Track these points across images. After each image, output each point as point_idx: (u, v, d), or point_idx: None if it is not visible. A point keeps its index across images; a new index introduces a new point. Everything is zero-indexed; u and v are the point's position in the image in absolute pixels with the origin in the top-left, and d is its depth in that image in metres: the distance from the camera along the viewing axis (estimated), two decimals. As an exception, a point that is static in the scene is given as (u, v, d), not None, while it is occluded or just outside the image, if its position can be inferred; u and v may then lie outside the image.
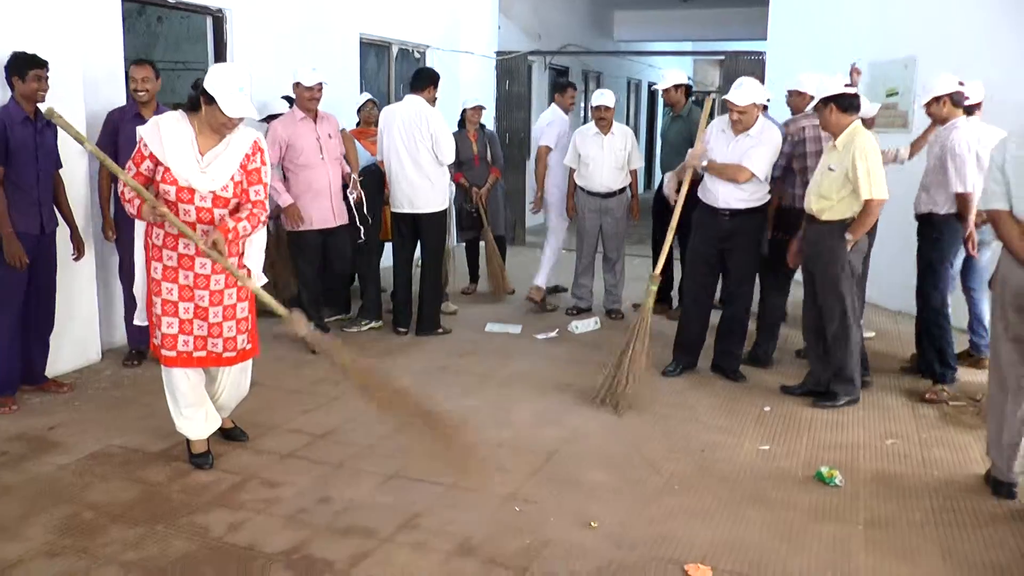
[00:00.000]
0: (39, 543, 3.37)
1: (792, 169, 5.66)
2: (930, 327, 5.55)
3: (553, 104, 8.03)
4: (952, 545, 3.53)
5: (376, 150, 6.57)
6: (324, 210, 5.94)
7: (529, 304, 7.45)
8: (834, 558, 3.40)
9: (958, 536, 3.61)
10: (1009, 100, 5.91)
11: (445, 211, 6.46)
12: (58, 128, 4.80)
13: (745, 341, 5.72)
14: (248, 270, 4.06)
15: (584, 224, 7.15)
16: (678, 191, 5.52)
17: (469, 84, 10.19)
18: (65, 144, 4.95)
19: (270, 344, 5.22)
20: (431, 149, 6.20)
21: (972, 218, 5.28)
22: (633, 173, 7.10)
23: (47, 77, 4.72)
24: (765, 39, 10.21)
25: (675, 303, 7.12)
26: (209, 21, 6.82)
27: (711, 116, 5.69)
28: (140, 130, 3.87)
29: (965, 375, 5.72)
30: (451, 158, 6.33)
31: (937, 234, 5.45)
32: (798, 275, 5.46)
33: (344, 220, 6.08)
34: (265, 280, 4.19)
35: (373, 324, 6.58)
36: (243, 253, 4.05)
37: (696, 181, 5.58)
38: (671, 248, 5.60)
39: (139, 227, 3.99)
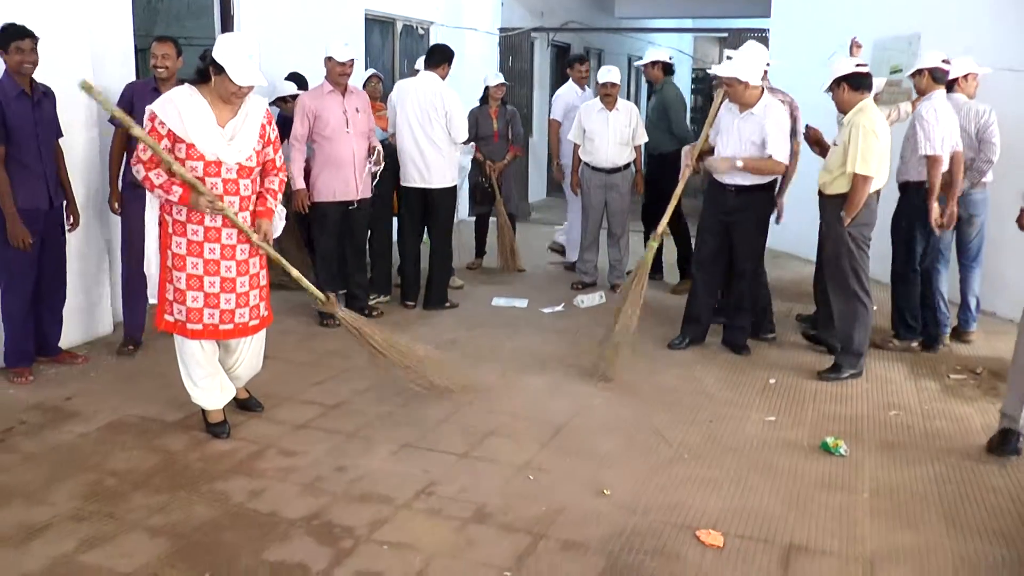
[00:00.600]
0: (66, 508, 3.46)
1: None
2: (896, 289, 5.84)
3: (570, 80, 8.21)
4: (954, 513, 3.62)
5: (385, 124, 6.61)
6: (347, 182, 5.96)
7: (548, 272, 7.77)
8: (840, 525, 3.49)
9: (960, 504, 3.70)
10: (1010, 75, 6.00)
11: (455, 187, 6.51)
12: (55, 96, 4.91)
13: (752, 315, 5.78)
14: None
15: (590, 199, 7.21)
16: (690, 165, 5.62)
17: (473, 61, 10.22)
18: (65, 113, 5.00)
19: (279, 317, 5.28)
20: (445, 126, 6.25)
21: (938, 184, 5.39)
22: (637, 149, 7.15)
23: (32, 49, 4.65)
24: (768, 16, 10.22)
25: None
26: (217, -3, 6.84)
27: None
28: (153, 108, 3.84)
29: (962, 349, 5.83)
30: (464, 136, 6.41)
31: (911, 201, 5.62)
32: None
33: (367, 194, 6.12)
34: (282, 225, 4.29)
35: (382, 298, 6.64)
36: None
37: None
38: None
39: (151, 204, 4.01)
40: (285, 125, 6.48)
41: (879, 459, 4.14)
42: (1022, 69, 6.23)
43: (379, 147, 6.16)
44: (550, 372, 5.25)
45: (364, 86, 7.58)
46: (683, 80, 20.68)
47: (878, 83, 5.74)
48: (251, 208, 4.01)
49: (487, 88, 7.62)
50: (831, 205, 5.15)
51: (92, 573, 3.03)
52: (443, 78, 6.35)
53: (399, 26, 9.42)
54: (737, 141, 5.43)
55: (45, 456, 3.94)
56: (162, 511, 3.46)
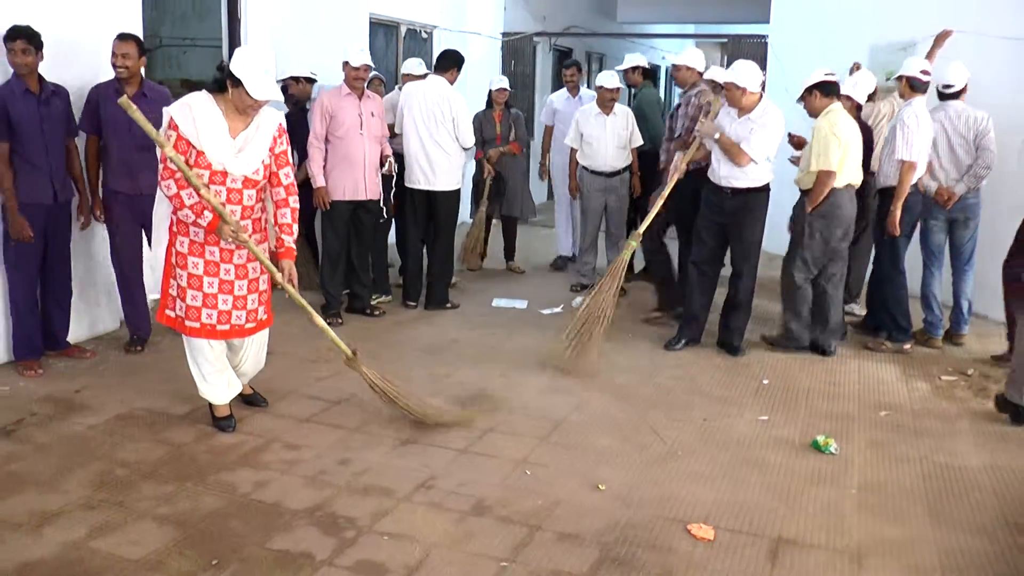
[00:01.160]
0: (77, 496, 3.56)
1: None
2: (884, 291, 6.05)
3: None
4: (939, 508, 3.73)
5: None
6: (356, 181, 6.08)
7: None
8: (828, 519, 3.59)
9: (945, 500, 3.81)
10: (1002, 82, 6.12)
11: (459, 189, 6.63)
12: (67, 95, 5.02)
13: (748, 317, 5.89)
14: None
15: (589, 203, 7.32)
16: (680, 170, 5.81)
17: (475, 65, 10.31)
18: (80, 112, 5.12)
19: (280, 315, 5.37)
20: (451, 130, 6.38)
21: (906, 189, 5.67)
22: (634, 151, 7.27)
23: (24, 50, 4.70)
24: (768, 22, 10.33)
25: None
26: (224, 0, 6.94)
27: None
28: (171, 112, 3.91)
29: (954, 351, 5.94)
30: (471, 141, 6.54)
31: (889, 205, 5.82)
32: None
33: (375, 196, 6.23)
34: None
35: (383, 298, 6.75)
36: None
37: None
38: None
39: (165, 202, 4.09)
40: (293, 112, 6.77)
41: (868, 457, 4.24)
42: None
43: (391, 156, 6.28)
44: (549, 371, 5.36)
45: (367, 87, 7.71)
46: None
47: (870, 85, 5.87)
48: (253, 216, 4.08)
49: (491, 92, 7.74)
50: (802, 201, 5.71)
51: (102, 559, 3.13)
52: (451, 83, 6.47)
53: (403, 30, 9.54)
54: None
55: (56, 446, 4.05)
56: (170, 501, 3.57)
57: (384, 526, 3.42)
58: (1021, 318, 4.80)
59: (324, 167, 6.05)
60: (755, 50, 10.19)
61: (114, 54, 5.07)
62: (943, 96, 5.99)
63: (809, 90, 5.57)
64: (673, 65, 6.53)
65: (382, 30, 9.26)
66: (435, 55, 7.28)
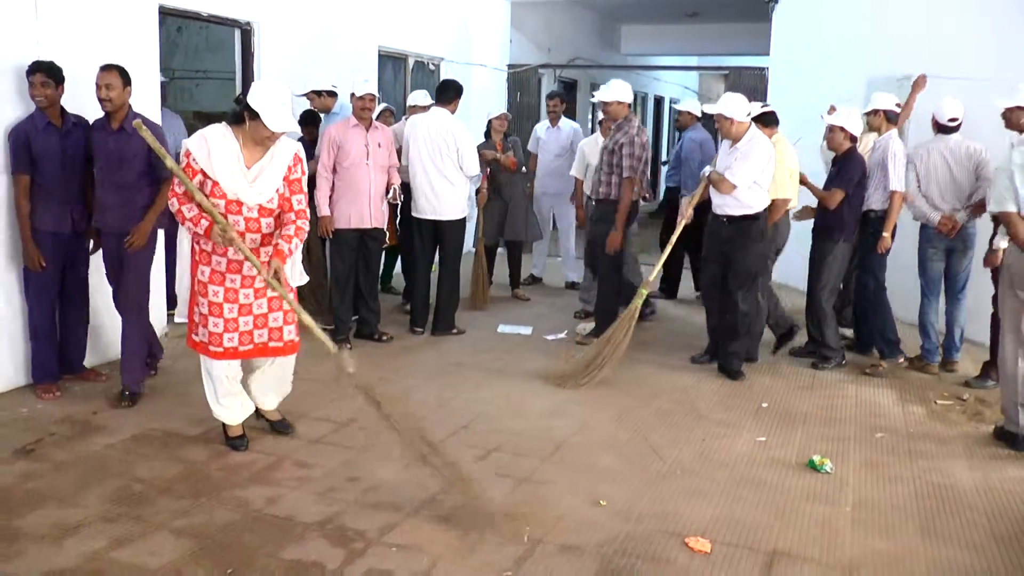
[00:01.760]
0: (96, 511, 3.69)
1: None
2: (867, 312, 6.34)
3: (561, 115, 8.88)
4: (931, 525, 3.84)
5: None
6: (362, 210, 6.24)
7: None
8: (822, 534, 3.71)
9: (937, 517, 3.92)
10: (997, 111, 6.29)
11: (465, 218, 6.81)
12: (88, 127, 5.17)
13: (745, 341, 6.04)
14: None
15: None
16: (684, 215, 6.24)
17: (481, 96, 10.56)
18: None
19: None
20: (455, 160, 6.56)
21: (896, 215, 6.04)
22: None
23: (43, 83, 4.86)
24: (768, 54, 10.54)
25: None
26: (237, 34, 7.16)
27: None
28: (188, 145, 4.09)
29: (949, 375, 6.06)
30: (476, 170, 6.73)
31: (872, 229, 6.11)
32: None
33: (380, 224, 6.40)
34: (306, 279, 4.48)
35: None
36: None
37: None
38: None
39: (186, 232, 4.28)
40: (311, 120, 7.08)
41: (863, 476, 4.36)
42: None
43: (397, 185, 6.45)
44: (552, 394, 5.49)
45: (376, 119, 7.91)
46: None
47: (854, 119, 6.06)
48: (274, 252, 4.17)
49: (490, 121, 7.94)
50: (750, 225, 5.93)
51: (122, 569, 3.26)
52: (453, 112, 6.65)
53: (411, 62, 9.77)
54: (722, 170, 5.84)
55: (75, 464, 4.18)
56: (185, 515, 3.70)
57: (392, 538, 3.55)
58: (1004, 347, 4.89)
59: (331, 196, 6.22)
60: (755, 82, 10.43)
61: (97, 86, 4.90)
62: (945, 129, 6.11)
63: (753, 120, 5.94)
64: (602, 103, 6.62)
65: (391, 62, 9.49)
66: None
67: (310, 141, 6.90)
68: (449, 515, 3.77)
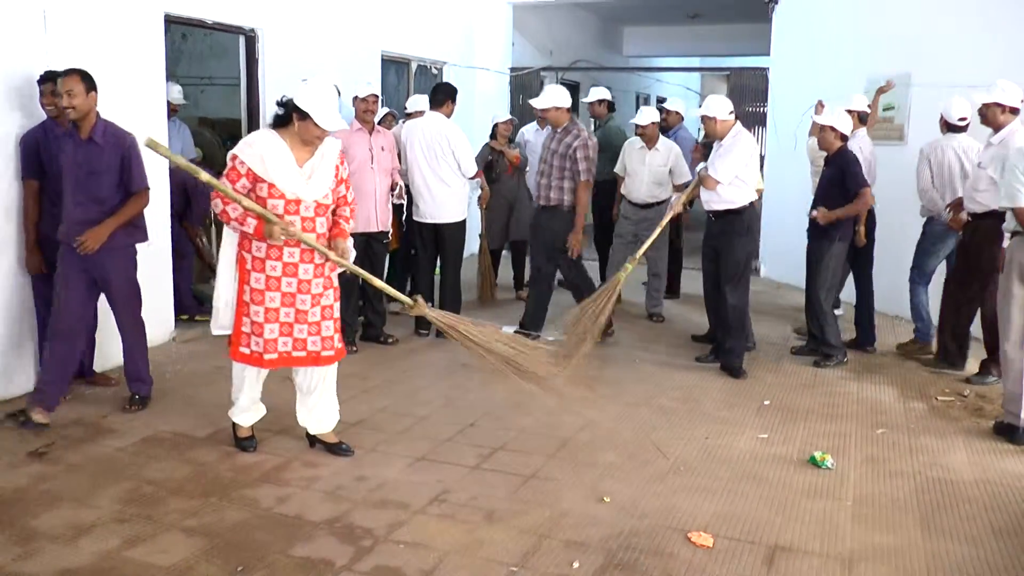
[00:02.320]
0: (109, 511, 3.76)
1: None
2: (865, 305, 6.65)
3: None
4: (930, 519, 3.89)
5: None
6: (368, 213, 6.30)
7: None
8: (823, 528, 3.76)
9: (936, 512, 3.97)
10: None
11: (464, 221, 6.86)
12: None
13: (739, 338, 6.11)
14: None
15: (621, 229, 7.64)
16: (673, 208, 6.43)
17: (484, 99, 10.63)
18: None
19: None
20: (451, 163, 6.62)
21: (854, 211, 6.12)
22: (679, 187, 7.44)
23: (52, 91, 4.86)
24: (768, 55, 10.59)
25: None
26: (242, 40, 7.24)
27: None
28: (235, 151, 4.09)
29: (953, 373, 6.10)
30: (473, 171, 6.77)
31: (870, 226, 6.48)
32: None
33: (385, 227, 6.48)
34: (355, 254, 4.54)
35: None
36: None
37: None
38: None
39: (228, 239, 4.25)
40: None
41: (864, 471, 4.41)
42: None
43: (401, 183, 6.53)
44: (557, 393, 5.53)
45: (379, 123, 7.99)
46: (692, 116, 21.11)
47: (843, 117, 6.18)
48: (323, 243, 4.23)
49: (496, 125, 8.02)
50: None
51: (135, 567, 3.33)
52: (449, 115, 6.71)
53: (414, 66, 9.84)
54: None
55: (86, 466, 4.25)
56: (196, 514, 3.77)
57: (400, 536, 3.61)
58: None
59: None
60: (756, 82, 10.48)
61: (58, 94, 4.68)
62: (955, 128, 6.24)
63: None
64: (541, 110, 6.60)
65: (394, 67, 9.57)
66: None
67: None
68: (455, 512, 3.84)
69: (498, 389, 5.57)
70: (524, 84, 11.75)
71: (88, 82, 4.69)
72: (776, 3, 10.05)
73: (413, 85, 9.84)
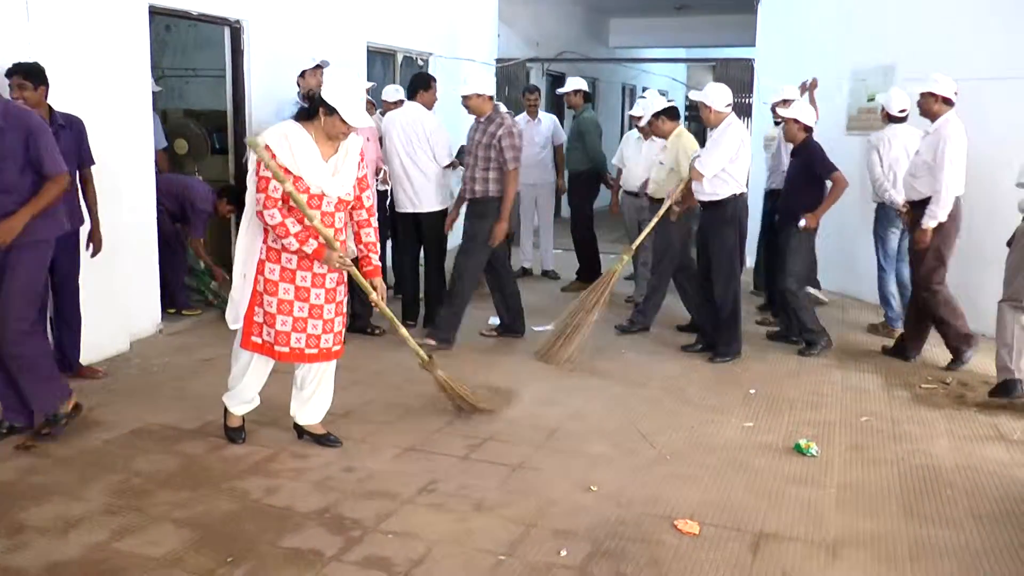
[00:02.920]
0: (98, 504, 3.77)
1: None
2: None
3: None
4: (912, 504, 3.95)
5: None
6: None
7: None
8: (808, 515, 3.82)
9: (918, 497, 4.03)
10: (982, 102, 6.47)
11: (445, 210, 6.85)
12: (81, 126, 5.15)
13: (723, 328, 6.18)
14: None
15: (623, 219, 7.87)
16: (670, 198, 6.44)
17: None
18: (100, 142, 5.33)
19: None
20: (429, 152, 6.62)
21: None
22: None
23: (24, 85, 4.78)
24: (754, 45, 10.64)
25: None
26: (227, 31, 7.21)
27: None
28: (267, 141, 3.96)
29: (936, 360, 6.17)
30: (446, 160, 6.70)
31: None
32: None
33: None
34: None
35: None
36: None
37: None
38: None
39: (245, 231, 4.18)
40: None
41: (848, 459, 4.47)
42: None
43: (385, 167, 6.55)
44: (544, 382, 5.59)
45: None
46: (678, 106, 21.15)
47: (807, 109, 6.39)
48: (340, 239, 4.17)
49: None
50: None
51: (125, 558, 3.34)
52: (429, 104, 6.70)
53: (400, 58, 9.83)
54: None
55: (75, 459, 4.25)
56: (185, 506, 3.78)
57: (388, 526, 3.64)
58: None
59: None
60: (742, 73, 10.52)
61: (10, 87, 4.75)
62: (895, 119, 6.69)
63: (657, 115, 6.55)
64: (463, 96, 6.43)
65: (379, 58, 9.56)
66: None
67: None
68: (444, 501, 3.86)
69: (485, 380, 5.61)
70: (510, 75, 11.75)
71: (35, 77, 4.77)
72: (762, -6, 10.10)
73: (399, 76, 9.83)
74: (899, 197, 6.40)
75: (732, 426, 4.90)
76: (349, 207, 4.23)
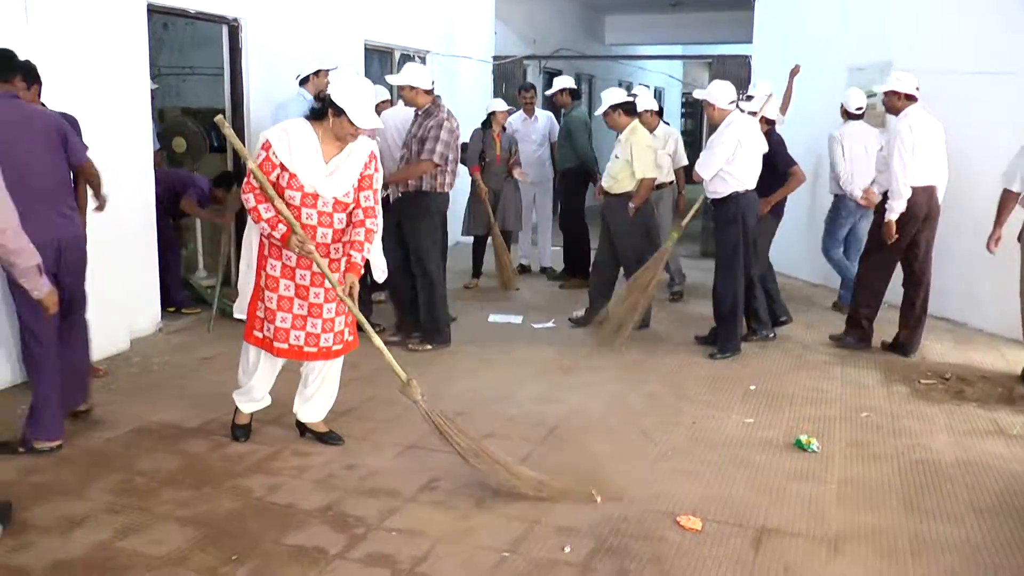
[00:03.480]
0: (101, 503, 3.77)
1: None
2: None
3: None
4: (913, 499, 3.97)
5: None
6: None
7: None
8: (809, 510, 3.83)
9: (919, 492, 4.05)
10: (979, 97, 6.51)
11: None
12: (78, 125, 5.13)
13: (724, 323, 6.21)
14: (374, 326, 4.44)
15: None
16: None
17: (467, 88, 10.63)
18: (99, 141, 5.28)
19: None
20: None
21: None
22: (678, 172, 7.71)
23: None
24: (751, 42, 10.65)
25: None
26: (225, 30, 7.21)
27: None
28: (268, 136, 4.05)
29: (934, 356, 6.18)
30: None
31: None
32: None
33: None
34: (386, 275, 4.64)
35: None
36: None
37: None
38: None
39: (252, 223, 4.19)
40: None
41: (848, 454, 4.48)
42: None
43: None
44: (544, 380, 5.60)
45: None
46: (673, 104, 21.19)
47: (771, 104, 6.60)
48: (343, 240, 4.19)
49: (494, 113, 8.05)
50: (618, 202, 6.62)
51: (129, 556, 3.35)
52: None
53: (397, 56, 9.82)
54: None
55: (77, 459, 4.25)
56: (188, 504, 3.78)
57: (392, 523, 3.65)
58: None
59: None
60: (739, 69, 10.51)
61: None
62: (852, 117, 7.21)
63: (613, 108, 6.52)
64: (398, 87, 6.29)
65: (377, 56, 9.55)
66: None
67: None
68: (446, 499, 3.87)
69: (485, 378, 5.62)
70: (507, 72, 11.75)
71: (27, 75, 4.61)
72: (758, -10, 10.11)
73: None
74: (858, 190, 7.01)
75: (733, 422, 4.91)
76: (350, 209, 4.22)
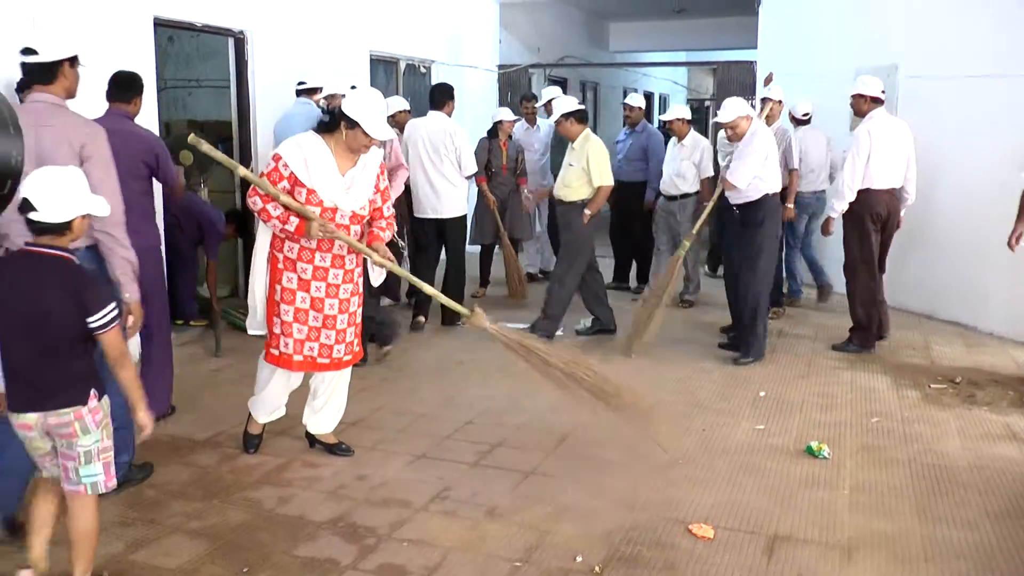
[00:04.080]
0: (111, 515, 3.76)
1: None
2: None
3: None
4: (926, 505, 3.94)
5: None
6: None
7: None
8: (821, 517, 3.81)
9: (932, 497, 4.03)
10: (987, 99, 6.50)
11: (465, 215, 7.08)
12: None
13: (746, 329, 6.19)
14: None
15: (656, 219, 7.96)
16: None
17: (473, 97, 10.65)
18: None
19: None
20: (455, 161, 6.78)
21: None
22: (703, 182, 7.60)
23: None
24: (755, 48, 10.63)
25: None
26: (231, 42, 7.24)
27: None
28: (280, 151, 4.07)
29: (943, 360, 6.15)
30: (473, 170, 7.00)
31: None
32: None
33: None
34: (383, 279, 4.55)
35: None
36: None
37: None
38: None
39: (262, 238, 4.23)
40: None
41: (860, 460, 4.46)
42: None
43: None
44: (553, 390, 5.55)
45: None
46: (686, 107, 21.13)
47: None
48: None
49: (500, 122, 8.06)
50: (572, 209, 6.56)
51: (140, 569, 3.35)
52: (449, 114, 6.84)
53: (402, 65, 9.85)
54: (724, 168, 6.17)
55: (88, 471, 4.25)
56: (199, 517, 3.78)
57: (403, 533, 3.64)
58: None
59: None
60: (744, 75, 10.52)
61: None
62: (800, 122, 7.67)
63: (565, 116, 6.47)
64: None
65: (382, 66, 9.58)
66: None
67: None
68: (456, 508, 3.87)
69: (495, 386, 5.61)
70: (512, 81, 11.77)
71: None
72: (762, -4, 10.11)
73: (402, 84, 9.86)
74: (808, 187, 7.47)
75: (743, 429, 4.89)
76: (365, 221, 4.24)
